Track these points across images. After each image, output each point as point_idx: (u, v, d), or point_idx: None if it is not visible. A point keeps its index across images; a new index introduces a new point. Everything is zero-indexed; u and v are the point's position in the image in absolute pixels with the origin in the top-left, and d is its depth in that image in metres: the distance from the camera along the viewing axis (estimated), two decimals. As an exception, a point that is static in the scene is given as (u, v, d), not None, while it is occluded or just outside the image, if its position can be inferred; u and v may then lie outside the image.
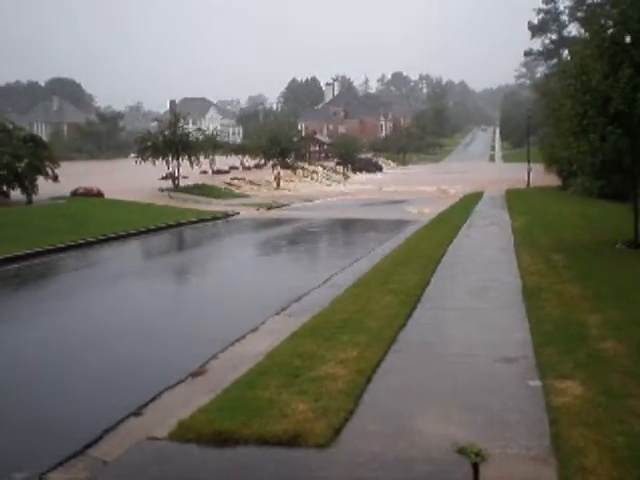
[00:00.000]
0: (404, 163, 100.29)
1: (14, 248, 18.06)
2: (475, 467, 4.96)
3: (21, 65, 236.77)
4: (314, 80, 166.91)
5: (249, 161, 62.10)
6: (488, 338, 8.77)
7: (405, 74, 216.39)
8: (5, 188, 31.44)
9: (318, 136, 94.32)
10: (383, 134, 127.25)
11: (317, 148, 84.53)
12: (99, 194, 33.06)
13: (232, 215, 29.74)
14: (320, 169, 68.14)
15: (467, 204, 32.05)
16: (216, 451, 5.70)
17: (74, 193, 33.10)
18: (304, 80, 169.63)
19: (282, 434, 5.78)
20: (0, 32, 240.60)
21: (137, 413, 6.78)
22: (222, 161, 55.67)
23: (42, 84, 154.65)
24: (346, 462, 5.45)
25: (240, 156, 61.42)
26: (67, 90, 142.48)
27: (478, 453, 5.03)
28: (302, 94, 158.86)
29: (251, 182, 49.54)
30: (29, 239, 19.57)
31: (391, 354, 8.10)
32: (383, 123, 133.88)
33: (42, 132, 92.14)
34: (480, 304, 10.79)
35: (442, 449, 5.47)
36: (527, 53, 70.81)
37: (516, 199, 33.76)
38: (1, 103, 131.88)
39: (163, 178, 41.53)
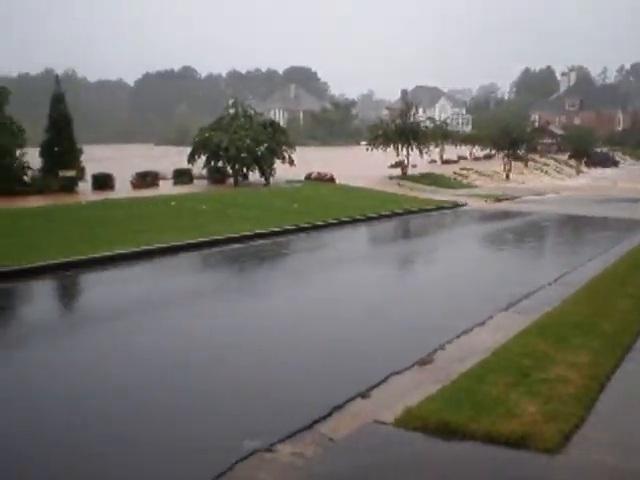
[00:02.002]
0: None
1: (255, 226, 19.30)
2: None
3: (262, 54, 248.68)
4: (549, 70, 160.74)
5: (478, 151, 61.17)
6: None
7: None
8: (245, 170, 33.40)
9: (551, 127, 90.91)
10: (620, 127, 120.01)
11: (549, 140, 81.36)
12: (331, 179, 34.04)
13: (460, 205, 29.48)
14: (552, 162, 65.68)
15: None
16: (442, 443, 5.71)
17: (308, 177, 34.39)
18: (538, 70, 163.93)
19: (509, 434, 5.67)
20: (242, 25, 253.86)
21: (364, 395, 6.94)
22: (451, 151, 55.35)
23: (280, 72, 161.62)
24: (575, 471, 5.28)
25: (469, 146, 60.65)
26: (303, 78, 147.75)
27: None
28: (535, 84, 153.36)
29: (479, 173, 48.76)
30: (267, 219, 20.75)
31: (627, 362, 7.69)
32: (621, 116, 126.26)
33: (279, 118, 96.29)
34: None
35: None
36: None
37: None
38: (242, 90, 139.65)
39: (392, 166, 42.01)
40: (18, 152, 27.99)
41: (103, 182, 28.77)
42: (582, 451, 5.53)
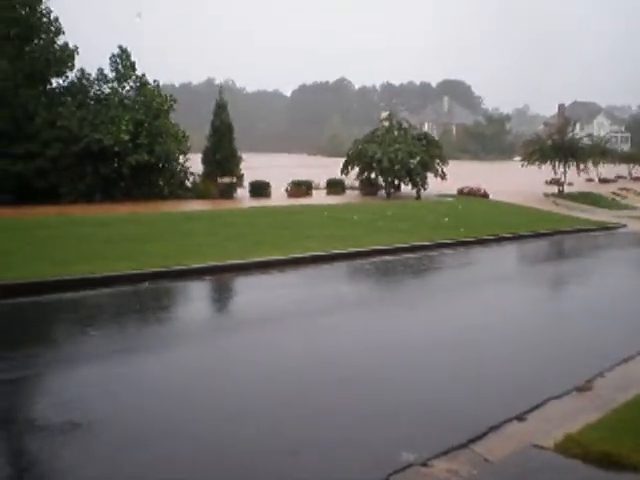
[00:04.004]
0: None
1: (405, 239, 19.47)
2: None
3: (416, 67, 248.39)
4: None
5: (638, 171, 58.58)
6: None
7: None
8: (397, 182, 33.59)
9: None
10: None
11: None
12: (484, 195, 33.59)
13: (618, 227, 28.37)
14: None
15: None
16: (603, 473, 5.53)
17: (460, 192, 34.10)
18: None
19: (676, 468, 5.46)
20: (397, 39, 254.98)
21: (520, 418, 6.81)
22: (609, 170, 53.31)
23: (434, 85, 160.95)
24: None
25: (628, 165, 58.18)
26: (457, 92, 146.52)
27: None
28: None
29: (639, 194, 46.70)
30: (417, 232, 20.85)
31: None
32: None
33: (432, 131, 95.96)
34: None
35: None
36: None
37: None
38: (395, 103, 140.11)
39: (548, 183, 40.97)
40: (182, 158, 29.41)
41: (260, 189, 29.81)
42: None
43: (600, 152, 45.19)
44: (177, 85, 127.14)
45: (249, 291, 13.91)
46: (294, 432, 6.43)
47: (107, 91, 29.31)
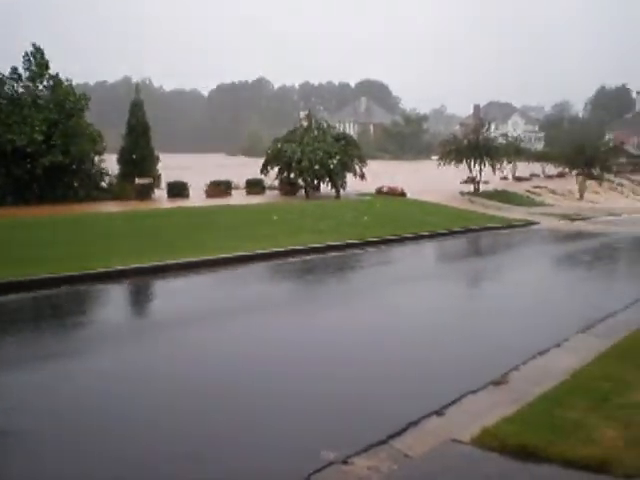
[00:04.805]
0: None
1: (325, 238, 19.54)
2: None
3: (335, 67, 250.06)
4: (624, 88, 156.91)
5: (551, 169, 60.27)
6: None
7: None
8: (317, 182, 33.71)
9: (627, 147, 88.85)
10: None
11: (625, 160, 79.40)
12: (402, 194, 34.00)
13: (532, 224, 29.09)
14: (627, 182, 64.20)
15: None
16: (520, 465, 5.65)
17: (379, 191, 34.42)
18: (613, 87, 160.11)
19: (589, 458, 5.56)
20: (316, 39, 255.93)
21: (439, 413, 6.90)
22: (523, 168, 54.69)
23: (352, 85, 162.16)
24: (658, 499, 5.17)
25: (542, 163, 59.80)
26: (375, 92, 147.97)
27: None
28: (610, 102, 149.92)
29: (553, 191, 48.03)
30: (337, 232, 20.92)
31: None
32: None
33: (350, 131, 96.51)
34: None
35: None
36: None
37: None
38: (314, 102, 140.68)
39: (464, 182, 41.72)
40: (97, 158, 28.77)
41: (178, 190, 29.43)
42: (664, 480, 5.41)
43: (514, 151, 46.29)
44: (92, 83, 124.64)
45: (169, 294, 13.68)
46: (216, 435, 6.35)
47: (20, 90, 28.44)
